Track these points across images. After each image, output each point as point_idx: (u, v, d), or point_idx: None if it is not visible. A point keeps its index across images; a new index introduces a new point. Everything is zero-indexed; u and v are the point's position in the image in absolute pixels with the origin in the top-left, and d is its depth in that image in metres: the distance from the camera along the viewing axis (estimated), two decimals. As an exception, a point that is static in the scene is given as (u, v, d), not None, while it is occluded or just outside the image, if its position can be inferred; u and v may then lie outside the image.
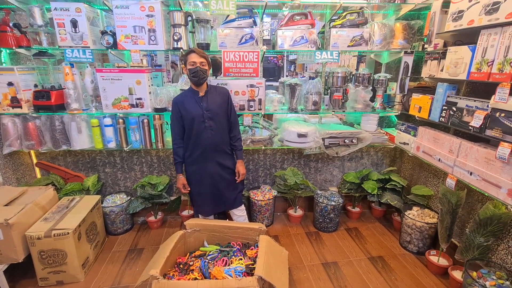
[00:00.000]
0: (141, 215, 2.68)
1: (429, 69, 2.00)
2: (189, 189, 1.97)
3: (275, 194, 2.58)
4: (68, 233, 1.80)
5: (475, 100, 1.60)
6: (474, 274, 1.63)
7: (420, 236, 2.14)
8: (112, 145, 2.30)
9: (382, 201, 2.50)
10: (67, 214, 1.98)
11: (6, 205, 1.88)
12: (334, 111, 2.36)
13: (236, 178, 2.00)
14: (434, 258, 2.02)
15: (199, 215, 2.08)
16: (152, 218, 2.58)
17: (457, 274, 1.84)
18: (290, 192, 2.57)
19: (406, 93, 2.30)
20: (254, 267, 1.59)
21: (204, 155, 1.88)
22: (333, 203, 2.45)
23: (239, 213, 2.08)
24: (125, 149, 2.30)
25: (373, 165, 2.80)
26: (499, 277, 1.60)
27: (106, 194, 2.60)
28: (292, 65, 6.14)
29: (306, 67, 5.51)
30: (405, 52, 2.21)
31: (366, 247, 2.30)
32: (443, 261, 2.00)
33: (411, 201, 2.36)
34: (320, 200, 2.49)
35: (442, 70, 1.86)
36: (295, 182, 2.51)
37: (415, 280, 1.94)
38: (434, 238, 2.15)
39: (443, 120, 1.82)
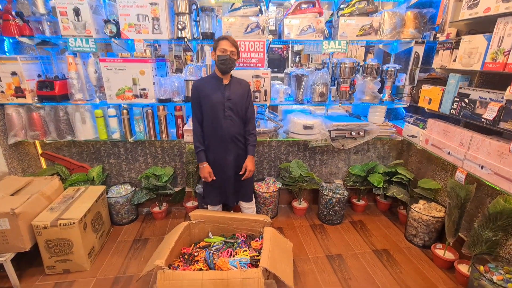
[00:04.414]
0: (146, 206, 2.69)
1: (440, 60, 1.94)
2: (214, 177, 1.89)
3: (280, 186, 2.57)
4: (74, 223, 1.81)
5: (489, 92, 1.54)
6: (482, 268, 1.62)
7: (426, 229, 2.12)
8: (116, 136, 2.29)
9: (388, 194, 2.47)
10: (73, 204, 1.99)
11: (12, 195, 1.89)
12: (341, 103, 2.31)
13: (241, 173, 1.94)
14: (440, 251, 2.00)
15: (208, 206, 2.05)
16: (156, 209, 2.59)
17: (463, 268, 1.82)
18: (295, 184, 2.55)
19: (415, 84, 2.24)
20: (259, 259, 1.59)
21: (221, 144, 1.84)
22: (338, 195, 2.43)
23: (249, 206, 2.06)
24: (129, 140, 2.29)
25: (379, 158, 2.76)
26: (507, 271, 1.58)
27: (110, 185, 2.61)
28: (297, 56, 6.05)
29: (311, 58, 5.41)
30: (416, 42, 2.14)
31: (371, 240, 2.29)
32: (449, 255, 1.98)
33: (417, 194, 2.32)
34: (325, 193, 2.47)
35: (454, 61, 1.80)
36: (300, 174, 2.49)
37: (421, 273, 1.93)
38: (440, 231, 2.13)
39: (454, 112, 1.77)
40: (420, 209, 2.19)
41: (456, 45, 1.78)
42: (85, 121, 2.23)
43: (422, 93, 2.08)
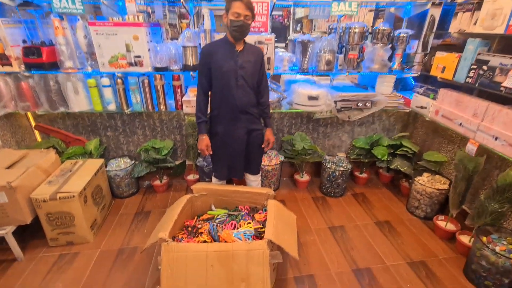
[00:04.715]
0: (146, 179, 2.66)
1: (459, 23, 1.79)
2: (211, 152, 1.81)
3: (282, 159, 2.52)
4: (74, 196, 1.78)
5: (511, 58, 1.43)
6: (484, 239, 1.62)
7: (429, 202, 2.12)
8: (112, 107, 2.19)
9: (391, 167, 2.44)
10: (71, 178, 1.94)
11: (7, 168, 1.83)
12: (348, 72, 2.19)
13: (263, 146, 1.88)
14: (442, 223, 2.01)
15: (212, 179, 2.01)
16: (157, 182, 2.56)
17: (465, 239, 1.84)
18: (297, 157, 2.51)
19: (428, 51, 2.11)
20: (263, 231, 1.58)
21: (232, 116, 1.73)
22: (341, 168, 2.40)
23: (255, 178, 2.02)
24: (126, 111, 2.19)
25: (384, 130, 2.69)
26: (510, 242, 1.59)
27: (109, 158, 2.55)
28: (299, 24, 5.72)
29: (314, 26, 5.12)
30: (433, 4, 1.97)
31: (373, 212, 2.29)
32: (450, 226, 1.99)
33: (422, 167, 2.29)
34: (328, 166, 2.43)
35: (475, 24, 1.66)
36: (303, 147, 2.44)
37: (421, 243, 1.95)
38: (443, 204, 2.13)
39: (470, 81, 1.67)
40: (424, 181, 2.17)
41: (478, 6, 1.63)
42: (78, 91, 2.11)
43: (435, 60, 1.96)
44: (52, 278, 1.67)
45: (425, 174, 2.25)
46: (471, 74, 1.66)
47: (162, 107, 2.22)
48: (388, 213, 2.29)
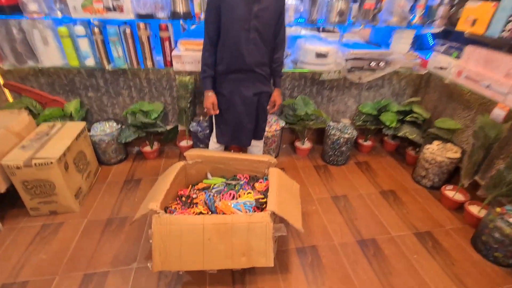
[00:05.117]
0: (136, 145, 2.46)
1: (500, -36, 1.51)
2: (217, 111, 1.60)
3: (283, 125, 2.33)
4: (51, 163, 1.58)
5: None
6: (499, 209, 1.53)
7: (438, 171, 2.01)
8: (90, 62, 1.90)
9: (399, 134, 2.28)
10: (48, 142, 1.73)
11: (-29, 131, 1.60)
12: (363, 25, 1.91)
13: (268, 108, 1.68)
14: (450, 193, 1.92)
15: (213, 143, 1.80)
16: (147, 149, 2.37)
17: (474, 209, 1.76)
18: (299, 123, 2.32)
19: (456, 2, 1.83)
20: (265, 201, 1.44)
21: (240, 73, 1.51)
22: (346, 135, 2.23)
23: (258, 144, 1.84)
24: (107, 68, 1.91)
25: (393, 95, 2.49)
26: (525, 214, 1.50)
27: (93, 122, 2.31)
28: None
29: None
30: None
31: (377, 181, 2.19)
32: (459, 197, 1.90)
33: (432, 134, 2.15)
34: (332, 132, 2.26)
35: (523, -37, 1.39)
36: (305, 112, 2.24)
37: (427, 213, 1.87)
38: (452, 173, 2.02)
39: (505, 35, 1.44)
40: (434, 150, 2.04)
41: None
42: (48, 41, 1.80)
43: (464, 12, 1.70)
44: (35, 249, 1.54)
45: (435, 142, 2.11)
46: (508, 27, 1.42)
47: (149, 63, 1.94)
48: (392, 182, 2.18)
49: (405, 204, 1.96)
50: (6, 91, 2.17)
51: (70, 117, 2.16)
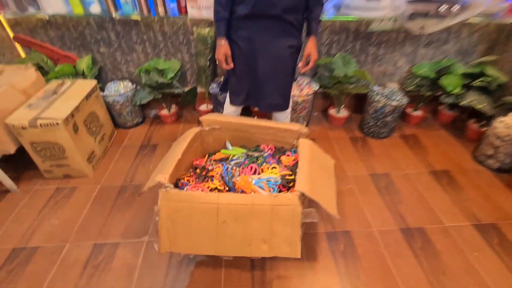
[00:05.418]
0: (153, 108, 2.28)
1: None
2: (232, 64, 1.34)
3: (316, 88, 1.99)
4: (57, 124, 1.44)
5: None
6: None
7: (512, 150, 1.60)
8: (95, 9, 1.65)
9: (462, 103, 1.84)
10: (56, 101, 1.58)
11: (-25, 86, 1.48)
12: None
13: (300, 65, 1.36)
14: (526, 178, 1.53)
15: (228, 105, 1.56)
16: (165, 112, 2.18)
17: (560, 201, 1.38)
18: (336, 87, 1.95)
19: None
20: (292, 179, 1.20)
21: (264, 20, 1.21)
22: (394, 103, 1.84)
23: (282, 116, 1.57)
24: (114, 15, 1.65)
25: (459, 53, 1.99)
26: None
27: (107, 81, 2.14)
28: None
29: None
30: None
31: (427, 159, 1.83)
32: (538, 183, 1.52)
33: (509, 104, 1.69)
34: (376, 99, 1.88)
35: None
36: (345, 73, 1.86)
37: (492, 201, 1.52)
38: (531, 154, 1.61)
39: None
40: (510, 124, 1.60)
41: None
42: (48, -16, 1.57)
43: None
44: (48, 213, 1.48)
45: (511, 114, 1.66)
46: None
47: (161, 10, 1.65)
48: (447, 161, 1.81)
49: (462, 189, 1.61)
50: (18, 45, 2.03)
51: (83, 75, 1.99)
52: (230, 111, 1.57)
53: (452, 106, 2.09)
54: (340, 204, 1.51)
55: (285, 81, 1.41)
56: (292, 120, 2.08)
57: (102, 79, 2.17)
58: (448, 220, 1.43)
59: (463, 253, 1.28)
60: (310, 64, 1.34)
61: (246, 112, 2.13)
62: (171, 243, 1.04)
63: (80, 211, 1.49)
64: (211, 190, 1.18)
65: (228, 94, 1.52)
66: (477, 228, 1.38)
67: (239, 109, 1.59)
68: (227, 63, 1.33)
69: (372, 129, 2.00)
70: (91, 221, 1.44)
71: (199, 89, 2.16)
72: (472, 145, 1.91)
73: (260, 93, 1.40)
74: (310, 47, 1.30)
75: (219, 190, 1.18)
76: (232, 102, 1.51)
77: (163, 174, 1.11)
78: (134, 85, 2.07)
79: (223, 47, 1.28)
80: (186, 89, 2.11)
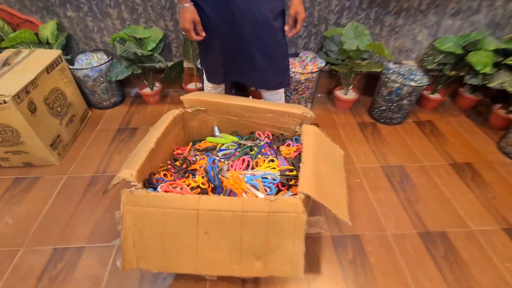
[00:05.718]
0: (134, 85, 1.99)
1: None
2: (204, 34, 1.08)
3: (322, 65, 1.71)
4: (5, 102, 1.16)
5: None
6: None
7: (550, 141, 1.37)
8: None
9: (491, 85, 1.59)
10: (6, 74, 1.29)
11: None
12: None
13: (287, 29, 1.09)
14: None
15: (207, 83, 1.32)
16: (147, 90, 1.89)
17: None
18: (346, 63, 1.67)
19: None
20: (295, 176, 0.96)
21: None
22: (412, 83, 1.58)
23: (272, 93, 1.30)
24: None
25: (491, 26, 1.71)
26: None
27: (78, 53, 1.83)
28: None
29: None
30: None
31: (447, 149, 1.60)
32: None
33: (548, 87, 1.44)
34: (391, 78, 1.62)
35: None
36: (357, 47, 1.58)
37: (523, 201, 1.31)
38: None
39: None
40: (549, 110, 1.36)
41: None
42: None
43: None
44: (1, 210, 1.24)
45: (550, 99, 1.42)
46: None
47: (134, -39, 1.32)
48: (469, 151, 1.58)
49: (489, 185, 1.39)
50: (-33, 6, 1.69)
51: (48, 44, 1.68)
52: (209, 91, 1.31)
53: (474, 89, 1.83)
54: (348, 202, 1.29)
55: (273, 50, 1.12)
56: (291, 101, 1.81)
57: (73, 50, 1.86)
58: (475, 223, 1.22)
59: (493, 263, 1.08)
60: (298, 25, 1.06)
61: (242, 92, 1.85)
62: (138, 259, 0.81)
63: (40, 208, 1.25)
64: (192, 188, 0.93)
65: (204, 70, 1.26)
66: (508, 233, 1.18)
67: (220, 87, 1.33)
68: (196, 32, 1.06)
69: (384, 114, 1.75)
70: (52, 220, 1.20)
71: (186, 64, 1.87)
72: (497, 134, 1.68)
73: (246, 67, 1.13)
74: (296, 4, 1.02)
75: (202, 189, 0.94)
76: (209, 79, 1.25)
77: (130, 169, 0.87)
78: (110, 58, 1.77)
79: (189, 11, 0.99)
80: (171, 63, 1.81)
